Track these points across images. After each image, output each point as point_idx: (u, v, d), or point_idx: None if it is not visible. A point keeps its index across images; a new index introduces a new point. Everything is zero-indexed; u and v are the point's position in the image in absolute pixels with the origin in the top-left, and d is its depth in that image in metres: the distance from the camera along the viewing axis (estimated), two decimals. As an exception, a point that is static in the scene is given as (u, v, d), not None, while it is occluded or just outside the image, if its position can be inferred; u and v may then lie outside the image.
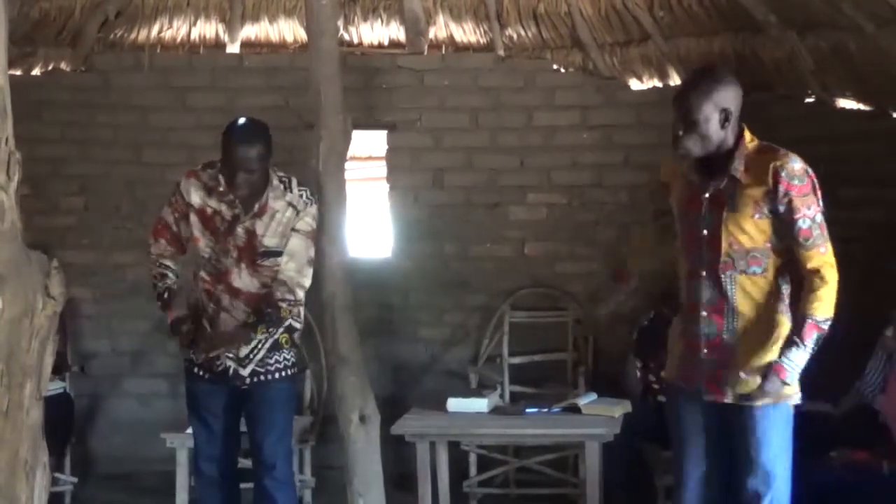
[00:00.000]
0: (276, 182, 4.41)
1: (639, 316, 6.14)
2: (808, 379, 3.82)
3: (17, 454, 2.57)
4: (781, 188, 3.66)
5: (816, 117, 6.30)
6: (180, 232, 4.52)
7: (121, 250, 6.70)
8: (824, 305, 3.67)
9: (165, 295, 4.50)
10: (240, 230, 4.39)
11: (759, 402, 3.74)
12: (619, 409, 5.16)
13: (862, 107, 6.22)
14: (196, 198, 4.43)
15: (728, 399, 3.78)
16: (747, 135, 3.76)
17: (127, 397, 6.79)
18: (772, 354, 3.73)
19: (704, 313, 3.81)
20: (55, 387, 5.74)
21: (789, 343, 3.68)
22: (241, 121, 4.43)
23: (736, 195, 3.72)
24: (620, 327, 6.29)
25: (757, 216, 3.70)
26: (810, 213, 3.68)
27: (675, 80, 6.74)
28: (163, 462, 5.72)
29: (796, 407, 3.84)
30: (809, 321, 3.66)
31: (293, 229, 4.41)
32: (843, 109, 6.28)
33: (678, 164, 3.87)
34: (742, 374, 3.73)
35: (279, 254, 4.40)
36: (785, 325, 3.76)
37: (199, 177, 4.46)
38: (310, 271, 4.49)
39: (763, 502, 3.75)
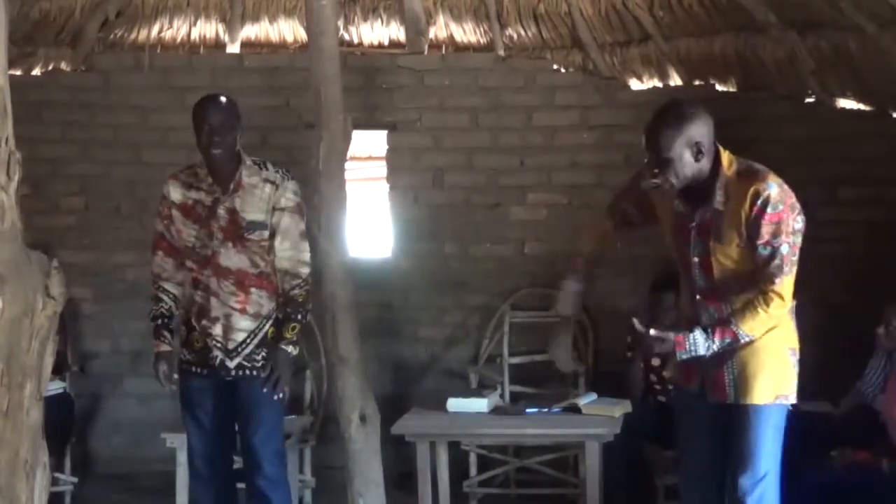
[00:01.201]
0: (249, 162, 4.52)
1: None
2: (809, 379, 3.83)
3: (17, 454, 2.57)
4: (754, 212, 3.64)
5: (816, 117, 6.30)
6: (173, 236, 4.57)
7: (121, 250, 6.70)
8: (751, 325, 3.66)
9: (158, 321, 4.60)
10: (221, 211, 4.47)
11: (756, 401, 3.75)
12: (619, 409, 5.16)
13: (862, 107, 6.22)
14: (177, 195, 4.56)
15: (730, 400, 3.79)
16: (725, 159, 3.73)
17: (127, 397, 6.79)
18: (767, 348, 3.75)
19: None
20: (55, 387, 5.74)
21: (704, 329, 3.67)
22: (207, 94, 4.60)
23: (720, 225, 3.72)
24: (620, 327, 6.28)
25: (742, 245, 3.70)
26: (775, 243, 3.64)
27: (675, 80, 6.74)
28: (163, 462, 5.72)
29: (795, 407, 3.86)
30: (731, 327, 3.66)
31: (277, 208, 4.47)
32: (843, 109, 6.28)
33: (662, 201, 3.87)
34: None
35: (264, 225, 4.46)
36: (782, 322, 3.76)
37: (178, 177, 4.61)
38: (306, 245, 4.54)
39: (750, 499, 3.75)
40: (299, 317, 4.51)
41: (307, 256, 4.54)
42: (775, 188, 3.65)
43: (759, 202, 3.62)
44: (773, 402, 3.77)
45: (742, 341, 3.68)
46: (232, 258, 4.48)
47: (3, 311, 2.47)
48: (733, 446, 3.79)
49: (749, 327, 3.66)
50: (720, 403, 3.81)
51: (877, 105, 6.11)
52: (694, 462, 3.95)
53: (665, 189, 3.75)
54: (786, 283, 3.67)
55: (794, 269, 3.69)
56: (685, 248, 3.82)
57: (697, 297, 3.81)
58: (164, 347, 4.58)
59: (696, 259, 3.79)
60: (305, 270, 4.52)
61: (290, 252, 4.49)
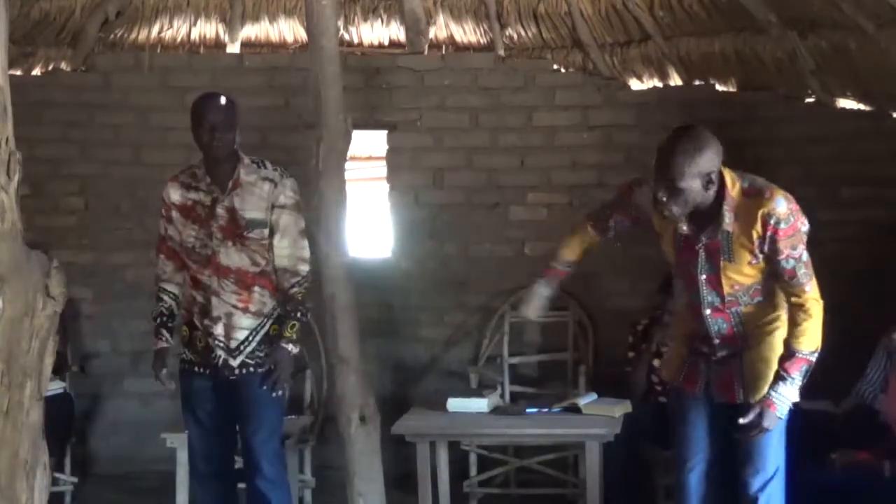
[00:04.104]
0: (247, 161, 4.54)
1: (639, 317, 6.14)
2: (809, 379, 3.84)
3: (17, 454, 2.57)
4: (769, 233, 3.70)
5: (816, 117, 6.30)
6: (173, 238, 4.60)
7: (121, 250, 6.71)
8: (809, 338, 3.74)
9: (158, 320, 4.65)
10: (220, 210, 4.49)
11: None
12: (619, 409, 5.16)
13: (862, 107, 6.22)
14: (176, 196, 4.59)
15: (739, 399, 3.86)
16: (729, 180, 3.75)
17: (127, 397, 6.79)
18: (776, 343, 3.83)
19: (717, 341, 3.90)
20: (55, 387, 5.73)
21: (778, 377, 3.75)
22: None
23: (730, 246, 3.77)
24: (621, 326, 6.28)
25: (753, 261, 3.77)
26: (795, 254, 3.72)
27: (675, 80, 6.74)
28: (163, 462, 5.72)
29: (796, 406, 3.87)
30: (798, 355, 3.73)
31: (277, 206, 4.49)
32: (844, 109, 6.28)
33: (663, 220, 3.88)
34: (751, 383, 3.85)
35: (263, 223, 4.48)
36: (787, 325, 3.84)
37: (178, 178, 4.64)
38: (305, 243, 4.56)
39: (761, 499, 3.83)
40: (299, 315, 4.53)
41: (306, 254, 4.55)
42: (783, 203, 3.71)
43: (771, 222, 3.68)
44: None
45: (814, 358, 3.75)
46: (232, 257, 4.49)
47: (3, 311, 2.47)
48: (741, 446, 3.83)
49: (807, 343, 3.74)
50: (727, 404, 3.86)
51: (877, 105, 6.11)
52: (689, 455, 3.99)
53: (670, 216, 3.78)
54: (814, 285, 3.77)
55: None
56: (691, 267, 3.86)
57: (707, 311, 3.87)
58: (162, 344, 4.62)
59: (703, 277, 3.84)
60: (305, 268, 4.53)
61: (289, 250, 4.51)
